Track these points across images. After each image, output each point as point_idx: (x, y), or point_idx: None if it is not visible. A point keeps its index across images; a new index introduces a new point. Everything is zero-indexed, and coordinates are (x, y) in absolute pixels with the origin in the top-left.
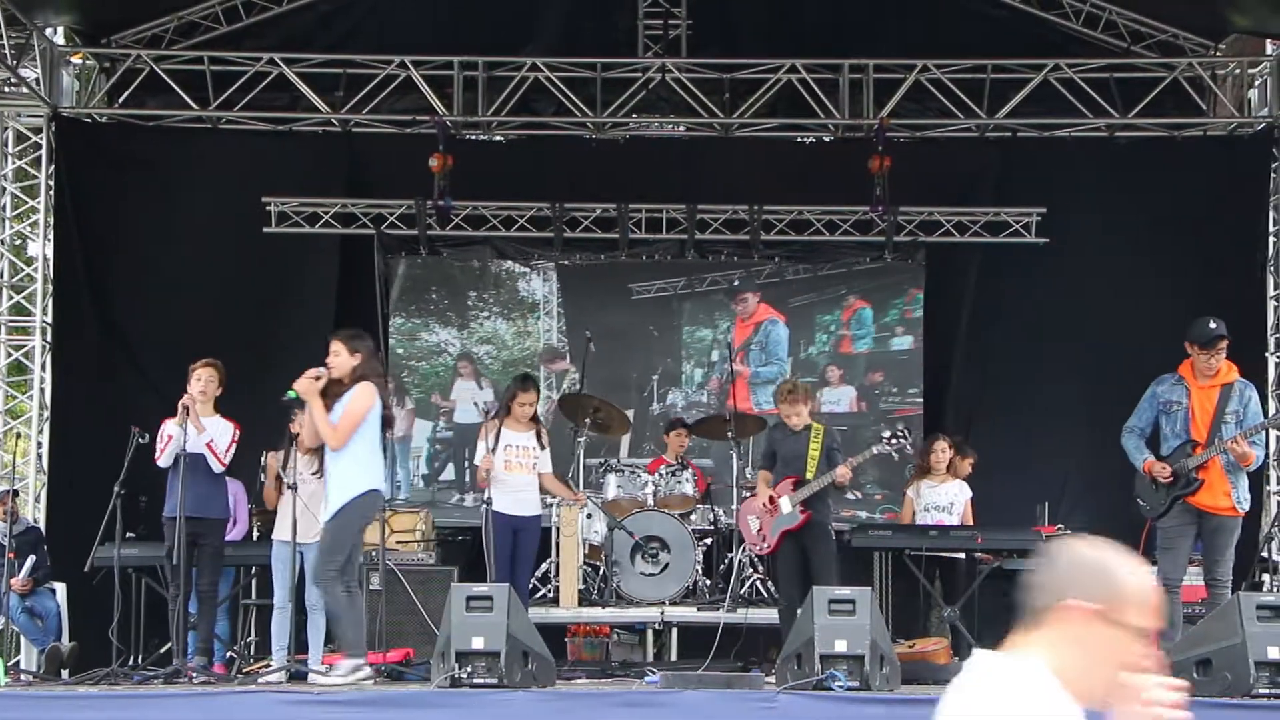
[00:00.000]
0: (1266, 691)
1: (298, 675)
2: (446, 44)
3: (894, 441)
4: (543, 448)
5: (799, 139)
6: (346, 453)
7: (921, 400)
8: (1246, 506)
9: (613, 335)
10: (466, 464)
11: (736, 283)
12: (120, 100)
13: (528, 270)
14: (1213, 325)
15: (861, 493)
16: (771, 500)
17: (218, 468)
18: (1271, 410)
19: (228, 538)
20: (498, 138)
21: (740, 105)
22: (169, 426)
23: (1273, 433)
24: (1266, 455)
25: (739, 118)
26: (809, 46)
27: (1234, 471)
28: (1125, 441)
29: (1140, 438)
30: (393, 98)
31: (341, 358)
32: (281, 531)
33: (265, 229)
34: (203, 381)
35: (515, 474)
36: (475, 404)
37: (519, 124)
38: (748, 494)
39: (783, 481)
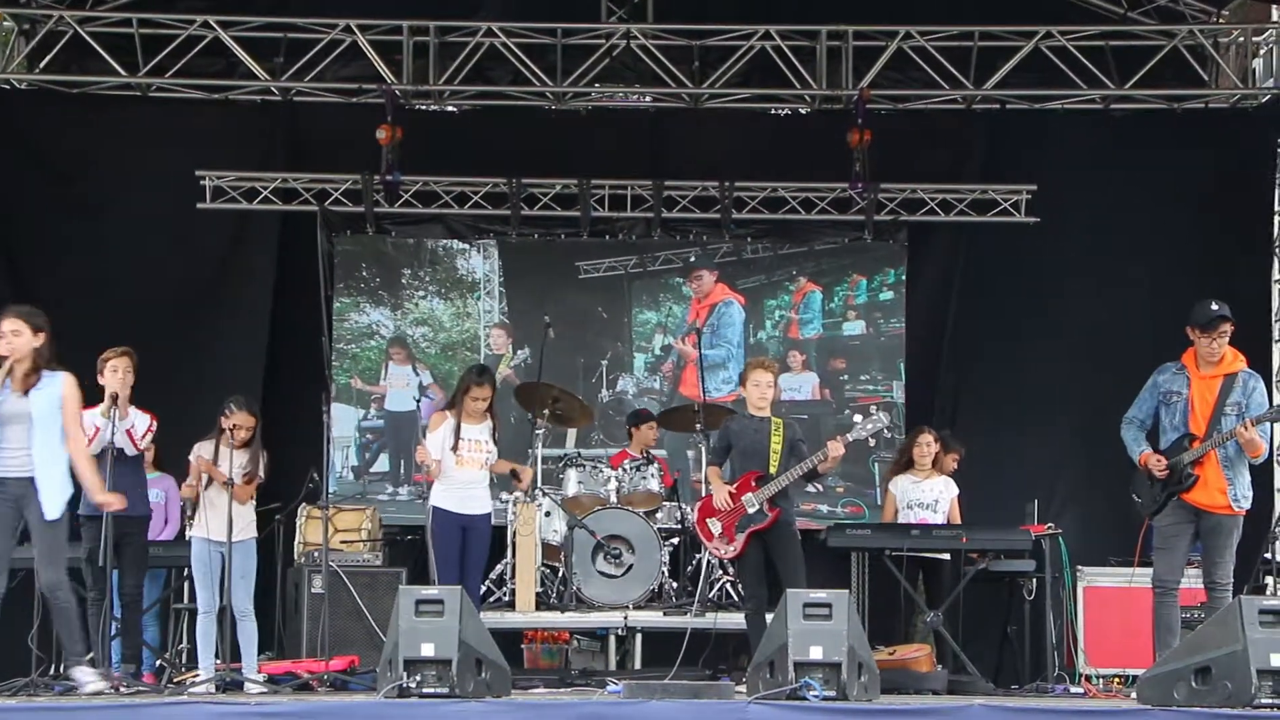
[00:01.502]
0: (1269, 701)
1: (233, 685)
2: (395, 7)
3: (868, 426)
4: (496, 443)
5: (773, 111)
6: (65, 451)
7: (891, 389)
8: (1246, 505)
9: (559, 318)
10: (402, 455)
11: (693, 259)
12: (41, 65)
13: (467, 247)
14: (1214, 307)
15: (823, 485)
16: (734, 498)
17: (132, 451)
18: (1278, 401)
19: (159, 537)
20: (450, 108)
21: (710, 74)
22: (93, 416)
23: (1277, 427)
24: (1271, 451)
25: (709, 88)
26: (784, 11)
27: (1231, 467)
28: (1124, 433)
29: (1140, 429)
30: (337, 64)
31: (24, 338)
32: (200, 529)
33: (199, 205)
34: (120, 372)
35: (466, 469)
36: (415, 396)
37: (473, 94)
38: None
39: (742, 478)
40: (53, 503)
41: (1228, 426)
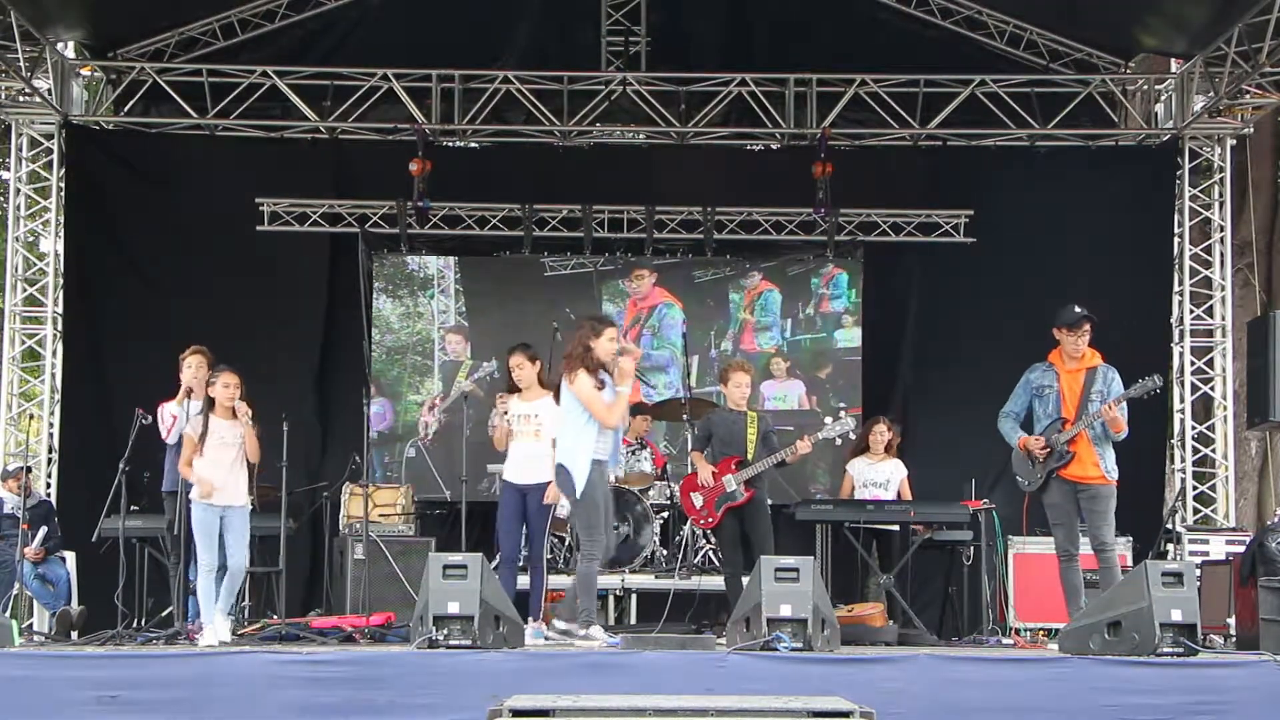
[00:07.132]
0: (1169, 650)
1: (289, 637)
2: (426, 58)
3: (835, 428)
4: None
5: (749, 146)
6: None
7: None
8: (1115, 475)
9: (521, 319)
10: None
11: (634, 258)
12: (125, 109)
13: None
14: (1078, 309)
15: (816, 484)
16: (716, 478)
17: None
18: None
19: None
20: (473, 144)
21: (695, 115)
22: (170, 407)
23: (1177, 418)
24: (1169, 436)
25: (694, 127)
26: (758, 62)
27: (1101, 444)
28: (1001, 425)
29: (1015, 421)
30: (376, 107)
31: None
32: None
33: (259, 228)
34: (193, 369)
35: (520, 442)
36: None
37: (492, 132)
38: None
39: (723, 461)
40: None
41: (1094, 411)
